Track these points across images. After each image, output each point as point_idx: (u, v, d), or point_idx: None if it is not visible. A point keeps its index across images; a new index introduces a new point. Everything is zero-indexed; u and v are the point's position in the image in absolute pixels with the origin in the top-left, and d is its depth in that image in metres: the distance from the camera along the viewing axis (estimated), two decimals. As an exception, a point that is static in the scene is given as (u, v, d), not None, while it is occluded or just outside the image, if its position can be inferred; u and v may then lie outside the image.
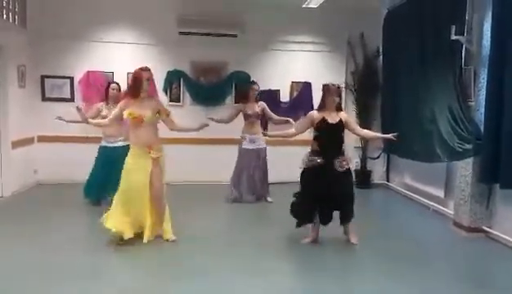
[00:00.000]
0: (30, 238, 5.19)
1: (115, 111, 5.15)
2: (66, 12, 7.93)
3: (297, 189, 5.30)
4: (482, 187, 5.66)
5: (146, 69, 5.02)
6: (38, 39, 7.80)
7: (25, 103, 7.63)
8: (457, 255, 5.27)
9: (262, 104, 7.20)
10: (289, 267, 4.65)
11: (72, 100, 8.03)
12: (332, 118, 5.09)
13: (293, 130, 5.33)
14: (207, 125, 5.44)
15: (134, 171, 4.96)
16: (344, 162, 5.12)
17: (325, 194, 5.01)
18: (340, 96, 5.26)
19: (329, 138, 5.10)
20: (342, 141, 5.25)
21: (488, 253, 5.30)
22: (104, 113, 6.30)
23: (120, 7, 8.10)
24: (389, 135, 5.40)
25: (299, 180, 5.25)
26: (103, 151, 6.49)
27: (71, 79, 8.10)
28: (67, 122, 6.43)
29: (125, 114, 4.94)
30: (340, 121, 5.12)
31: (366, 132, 5.65)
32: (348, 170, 5.19)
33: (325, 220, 5.18)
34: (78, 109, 5.22)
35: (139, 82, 4.94)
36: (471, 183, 5.71)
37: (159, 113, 5.08)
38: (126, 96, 5.14)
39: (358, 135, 5.60)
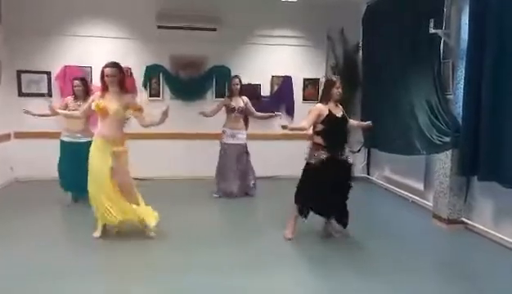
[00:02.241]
0: (13, 236, 5.11)
1: (86, 104, 5.20)
2: (42, 6, 7.76)
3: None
4: (460, 179, 5.74)
5: (108, 66, 4.99)
6: (13, 34, 7.62)
7: (1, 98, 7.46)
8: (437, 247, 5.34)
9: (246, 98, 7.18)
10: (274, 262, 4.62)
11: (49, 95, 7.88)
12: (336, 111, 5.10)
13: (305, 123, 5.02)
14: (167, 108, 5.07)
15: (96, 161, 4.98)
16: (349, 157, 5.23)
17: (333, 186, 5.03)
18: (343, 89, 5.20)
19: (335, 132, 5.07)
20: (347, 135, 5.33)
21: (467, 244, 5.38)
22: (71, 107, 6.24)
23: (98, 1, 7.96)
24: (366, 123, 5.70)
25: (304, 175, 5.16)
26: (69, 146, 6.35)
27: (48, 74, 7.94)
28: (35, 116, 6.44)
29: (92, 105, 4.97)
30: (344, 114, 5.17)
31: (353, 122, 5.71)
32: (351, 165, 5.39)
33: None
34: (49, 105, 5.39)
35: (102, 78, 4.99)
36: (450, 175, 5.78)
37: (129, 108, 5.05)
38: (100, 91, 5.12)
39: (351, 126, 5.59)
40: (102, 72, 4.98)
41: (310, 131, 5.11)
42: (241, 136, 7.08)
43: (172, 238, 5.13)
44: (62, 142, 6.43)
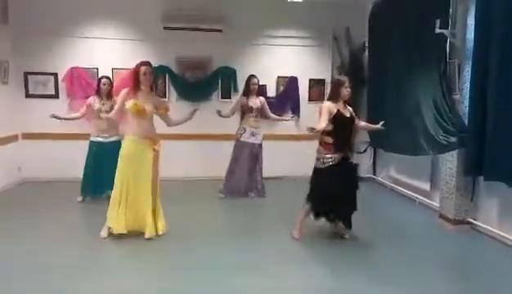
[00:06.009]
0: (19, 235, 5.15)
1: (118, 105, 5.12)
2: (49, 7, 7.80)
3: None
4: (466, 179, 5.72)
5: (144, 64, 5.04)
6: (20, 35, 7.67)
7: (9, 100, 7.52)
8: (443, 247, 5.31)
9: (263, 99, 7.19)
10: (281, 262, 4.64)
11: (56, 96, 7.96)
12: (344, 111, 5.08)
13: (322, 123, 4.90)
14: (196, 110, 5.43)
15: (136, 162, 4.97)
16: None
17: (343, 190, 5.00)
18: (352, 88, 5.19)
19: (343, 132, 5.05)
20: (352, 136, 5.29)
21: (473, 244, 5.37)
22: (97, 107, 6.37)
23: (104, 2, 8.00)
24: (378, 125, 5.54)
25: (315, 177, 5.18)
26: (97, 146, 6.45)
27: (55, 76, 7.98)
28: (61, 119, 6.51)
29: (129, 105, 4.91)
30: (351, 114, 5.15)
31: (364, 124, 5.73)
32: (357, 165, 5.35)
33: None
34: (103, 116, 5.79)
35: (136, 76, 4.99)
36: (456, 176, 5.77)
37: (156, 108, 5.11)
38: (127, 89, 5.10)
39: (360, 127, 5.61)
40: (138, 70, 4.99)
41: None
42: (259, 136, 7.08)
43: (174, 238, 5.13)
44: (93, 143, 6.49)
